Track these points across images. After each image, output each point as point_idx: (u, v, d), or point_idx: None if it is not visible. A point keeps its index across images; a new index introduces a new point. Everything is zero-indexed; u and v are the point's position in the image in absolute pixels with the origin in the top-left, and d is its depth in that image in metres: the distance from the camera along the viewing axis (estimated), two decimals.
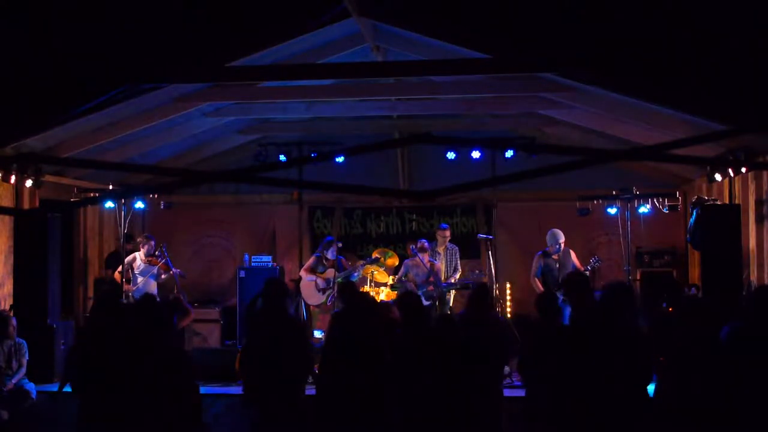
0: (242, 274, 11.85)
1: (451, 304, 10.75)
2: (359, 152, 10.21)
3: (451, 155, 12.09)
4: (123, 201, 10.82)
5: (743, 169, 9.49)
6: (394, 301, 10.31)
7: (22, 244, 9.66)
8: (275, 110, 10.99)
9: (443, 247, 11.01)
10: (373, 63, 9.53)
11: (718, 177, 10.31)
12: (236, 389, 8.38)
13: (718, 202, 10.01)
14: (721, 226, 8.85)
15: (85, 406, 5.33)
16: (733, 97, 6.81)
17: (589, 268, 10.20)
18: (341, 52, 9.36)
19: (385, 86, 10.53)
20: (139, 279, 10.60)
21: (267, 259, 12.08)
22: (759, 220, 9.22)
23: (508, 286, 12.10)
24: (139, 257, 10.66)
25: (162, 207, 11.96)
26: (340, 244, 11.18)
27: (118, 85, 7.61)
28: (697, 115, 8.18)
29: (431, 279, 10.40)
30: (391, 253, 11.76)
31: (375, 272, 11.42)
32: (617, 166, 11.52)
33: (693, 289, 10.27)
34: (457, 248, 11.10)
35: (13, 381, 7.92)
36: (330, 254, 10.71)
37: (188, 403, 5.21)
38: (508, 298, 11.81)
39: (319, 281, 10.64)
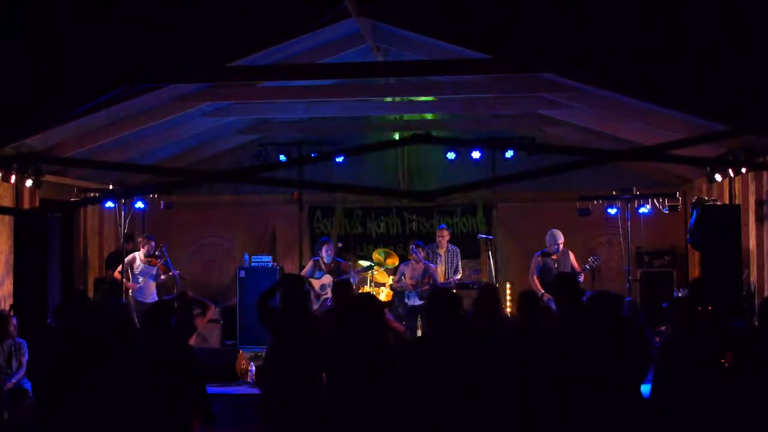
0: (242, 274, 11.86)
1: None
2: (359, 152, 10.25)
3: (451, 155, 12.11)
4: (123, 201, 10.83)
5: (743, 170, 9.49)
6: (389, 303, 10.44)
7: (22, 244, 9.64)
8: (275, 110, 10.99)
9: (444, 248, 10.97)
10: (373, 63, 9.53)
11: (718, 177, 10.31)
12: (236, 389, 8.42)
13: (718, 202, 10.01)
14: (721, 226, 8.84)
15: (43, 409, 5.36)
16: (733, 97, 6.80)
17: (587, 267, 10.21)
18: (341, 52, 9.36)
19: (385, 86, 10.54)
20: (140, 279, 10.61)
21: (267, 259, 12.08)
22: (759, 220, 9.22)
23: (508, 286, 12.10)
24: (138, 257, 10.67)
25: (162, 207, 11.97)
26: (340, 244, 11.15)
27: (118, 85, 7.60)
28: (697, 115, 8.17)
29: (426, 279, 10.44)
30: (391, 253, 11.80)
31: (375, 272, 11.43)
32: (617, 166, 11.53)
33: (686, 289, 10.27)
34: (458, 250, 11.05)
35: (13, 380, 7.91)
36: (326, 257, 10.63)
37: (184, 402, 5.20)
38: (508, 298, 11.81)
39: (315, 286, 10.50)
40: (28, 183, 9.95)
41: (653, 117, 9.23)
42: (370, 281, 11.40)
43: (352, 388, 4.95)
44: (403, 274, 10.68)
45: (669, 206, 10.81)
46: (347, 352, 5.02)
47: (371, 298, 5.35)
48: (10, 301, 9.58)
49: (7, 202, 9.75)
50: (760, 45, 6.21)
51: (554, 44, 7.17)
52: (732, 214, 9.06)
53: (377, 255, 11.73)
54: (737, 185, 9.82)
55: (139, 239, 11.07)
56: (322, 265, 10.66)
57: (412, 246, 10.85)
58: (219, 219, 13.35)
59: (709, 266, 8.84)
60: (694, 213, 9.64)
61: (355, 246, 13.01)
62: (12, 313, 8.70)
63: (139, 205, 11.37)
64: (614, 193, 10.76)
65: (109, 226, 12.47)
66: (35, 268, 9.51)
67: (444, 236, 11.04)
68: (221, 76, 8.52)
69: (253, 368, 8.98)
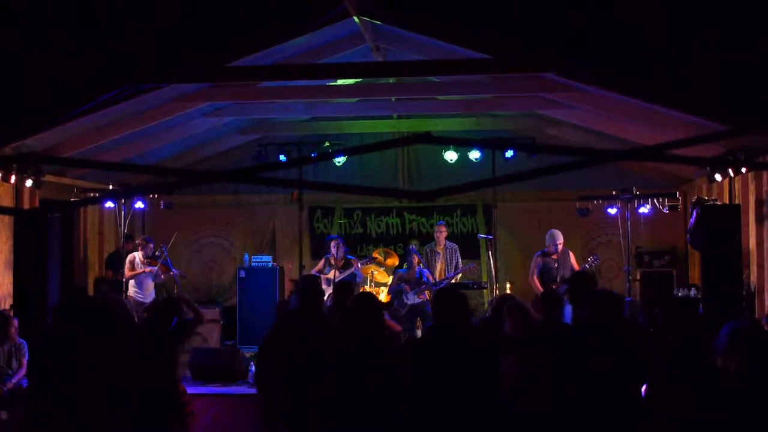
0: (242, 274, 11.86)
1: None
2: (359, 152, 10.25)
3: (451, 155, 12.11)
4: (123, 201, 10.84)
5: (743, 169, 9.49)
6: (388, 304, 10.45)
7: (22, 244, 9.66)
8: (275, 110, 10.99)
9: (442, 246, 10.99)
10: (373, 63, 9.53)
11: (718, 177, 10.31)
12: (236, 389, 8.40)
13: (718, 202, 10.01)
14: (721, 226, 8.83)
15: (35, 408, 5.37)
16: (733, 97, 6.80)
17: (587, 267, 10.21)
18: (341, 52, 9.36)
19: (385, 86, 10.54)
20: (144, 279, 10.63)
21: (267, 259, 12.08)
22: (759, 220, 9.22)
23: (508, 286, 12.10)
24: (138, 257, 10.67)
25: (162, 207, 11.96)
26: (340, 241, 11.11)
27: (118, 85, 7.59)
28: (697, 115, 8.17)
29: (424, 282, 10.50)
30: (391, 253, 11.80)
31: (375, 272, 11.43)
32: (617, 166, 11.53)
33: (693, 289, 10.28)
34: (456, 247, 11.06)
35: (13, 381, 7.92)
36: (336, 253, 10.65)
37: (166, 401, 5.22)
38: None
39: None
40: (28, 183, 9.94)
41: (653, 117, 9.23)
42: (370, 281, 11.41)
43: (352, 388, 4.94)
44: (400, 278, 10.75)
45: (669, 206, 10.81)
46: (347, 352, 5.02)
47: (371, 298, 5.34)
48: (10, 301, 9.58)
49: (7, 202, 9.75)
50: (760, 45, 6.21)
51: (554, 44, 7.16)
52: (732, 214, 9.05)
53: (377, 255, 11.73)
54: (737, 185, 9.82)
55: (138, 241, 11.07)
56: (333, 261, 10.70)
57: (412, 247, 10.89)
58: (219, 219, 13.35)
59: (709, 266, 8.83)
60: (694, 213, 9.63)
61: (355, 246, 13.01)
62: (12, 314, 8.71)
63: (139, 205, 11.38)
64: (614, 193, 10.75)
65: (109, 226, 12.47)
66: (35, 268, 9.53)
67: (442, 232, 11.05)
68: (221, 76, 8.52)
69: (253, 368, 8.97)
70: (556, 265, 10.04)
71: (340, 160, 12.44)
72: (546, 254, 10.17)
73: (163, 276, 10.77)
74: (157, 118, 9.92)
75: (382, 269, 11.50)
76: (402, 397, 4.75)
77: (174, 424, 5.48)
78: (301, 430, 5.55)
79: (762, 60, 6.28)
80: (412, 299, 10.54)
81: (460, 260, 11.02)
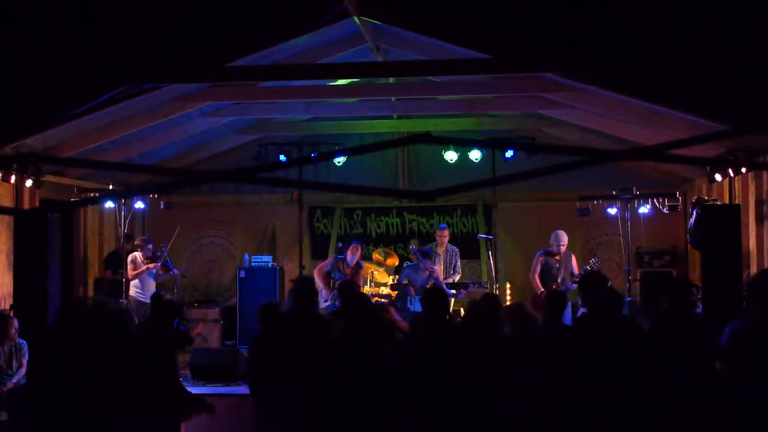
0: (242, 274, 11.85)
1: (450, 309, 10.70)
2: (359, 152, 10.24)
3: (451, 155, 12.10)
4: (123, 201, 10.84)
5: (743, 169, 9.49)
6: (391, 303, 10.35)
7: (22, 244, 9.64)
8: (275, 110, 10.99)
9: (443, 248, 10.96)
10: (373, 63, 9.53)
11: (718, 177, 10.31)
12: (236, 389, 8.40)
13: (718, 202, 10.01)
14: (721, 226, 8.82)
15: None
16: (733, 97, 6.80)
17: (588, 268, 10.20)
18: (341, 52, 9.36)
19: (385, 86, 10.53)
20: (145, 279, 10.63)
21: (267, 259, 12.08)
22: (759, 220, 9.22)
23: (508, 286, 12.11)
24: (138, 257, 10.67)
25: (162, 207, 11.97)
26: (340, 245, 10.96)
27: (118, 85, 7.59)
28: (697, 115, 8.18)
29: (431, 284, 10.31)
30: (391, 253, 11.79)
31: (375, 272, 11.42)
32: (617, 166, 11.53)
33: (693, 289, 10.26)
34: (457, 250, 11.02)
35: (13, 381, 7.92)
36: (350, 258, 10.10)
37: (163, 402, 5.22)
38: (508, 298, 11.81)
39: (324, 292, 9.87)
40: (28, 183, 9.95)
41: (653, 117, 9.24)
42: (370, 281, 11.40)
43: (353, 389, 4.94)
44: (407, 276, 10.48)
45: (669, 206, 10.82)
46: (353, 352, 5.02)
47: (384, 307, 5.35)
48: (9, 301, 9.58)
49: (7, 202, 9.75)
50: (761, 45, 6.21)
51: (554, 44, 7.16)
52: (732, 214, 9.03)
53: (377, 255, 11.73)
54: (737, 185, 9.83)
55: (137, 241, 11.07)
56: (341, 266, 10.15)
57: (412, 247, 10.82)
58: (219, 219, 13.36)
59: (709, 266, 8.83)
60: (694, 213, 9.63)
61: None
62: (13, 314, 8.71)
63: (139, 205, 11.38)
64: (614, 193, 10.76)
65: (109, 226, 12.47)
66: (35, 268, 9.51)
67: (444, 236, 11.03)
68: (221, 76, 8.52)
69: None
70: (557, 265, 10.07)
71: (340, 160, 12.42)
72: (549, 254, 10.18)
73: (163, 275, 10.78)
74: (157, 118, 9.92)
75: (382, 269, 11.49)
76: (402, 397, 4.75)
77: (174, 424, 5.48)
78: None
79: (762, 60, 6.28)
80: (415, 306, 10.05)
81: (459, 264, 10.99)
